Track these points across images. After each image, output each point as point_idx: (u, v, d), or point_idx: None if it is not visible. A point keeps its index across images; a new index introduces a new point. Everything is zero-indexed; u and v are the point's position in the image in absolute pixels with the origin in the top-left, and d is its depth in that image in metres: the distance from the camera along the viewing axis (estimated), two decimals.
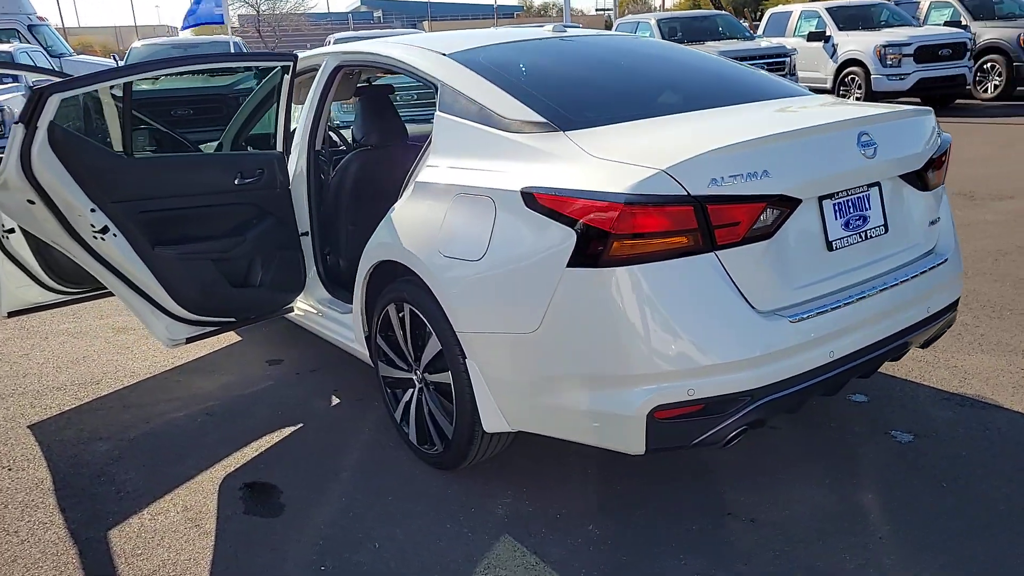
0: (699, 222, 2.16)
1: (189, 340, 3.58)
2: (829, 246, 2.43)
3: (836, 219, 2.44)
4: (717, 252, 2.20)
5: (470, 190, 2.58)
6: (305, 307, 3.95)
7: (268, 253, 3.66)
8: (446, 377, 2.79)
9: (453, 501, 2.83)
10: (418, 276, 2.82)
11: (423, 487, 2.92)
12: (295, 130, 3.86)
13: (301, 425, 3.52)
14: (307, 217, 3.82)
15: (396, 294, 2.96)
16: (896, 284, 2.52)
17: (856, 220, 2.50)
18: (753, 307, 2.23)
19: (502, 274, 2.43)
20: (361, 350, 3.41)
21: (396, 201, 3.05)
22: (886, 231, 2.59)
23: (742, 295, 2.21)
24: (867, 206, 2.53)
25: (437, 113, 2.88)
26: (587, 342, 2.26)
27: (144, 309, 3.39)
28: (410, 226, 2.81)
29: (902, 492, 2.69)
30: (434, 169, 2.80)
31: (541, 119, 2.56)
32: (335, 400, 3.75)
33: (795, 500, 2.69)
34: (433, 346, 2.81)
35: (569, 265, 2.25)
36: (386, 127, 3.86)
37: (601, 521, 2.65)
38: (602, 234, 2.18)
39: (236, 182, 3.47)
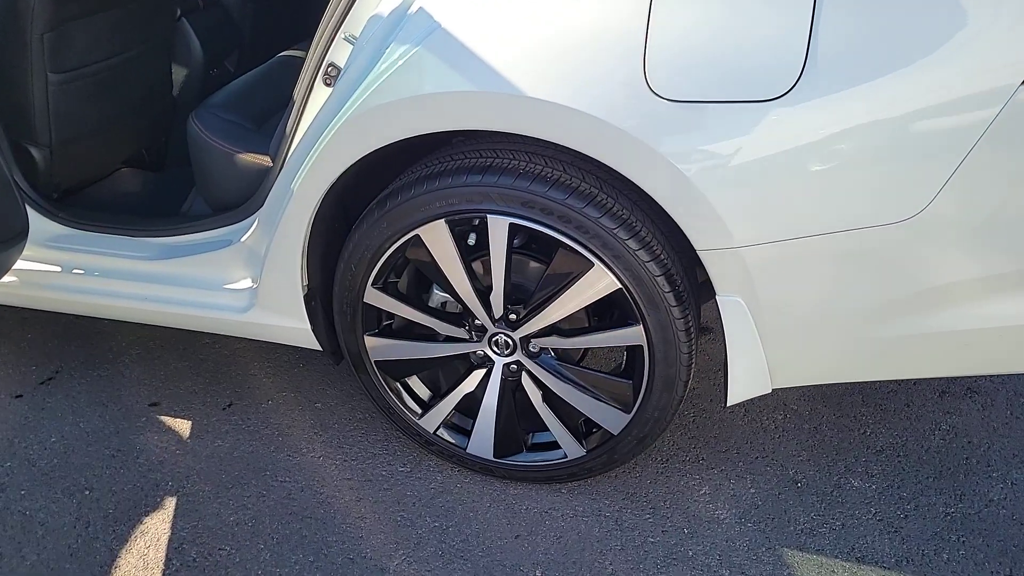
0: None
1: None
2: None
3: None
4: None
5: None
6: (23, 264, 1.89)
7: None
8: (626, 336, 1.47)
9: (665, 532, 1.64)
10: (550, 154, 1.36)
11: (598, 525, 1.64)
12: None
13: (204, 490, 1.72)
14: None
15: (456, 200, 1.41)
16: None
17: None
18: None
19: (844, 124, 1.21)
20: (277, 323, 1.71)
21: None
22: None
23: None
24: None
25: None
26: None
27: None
28: (530, 46, 1.27)
29: None
30: None
31: None
32: (180, 425, 1.94)
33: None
34: (588, 288, 1.43)
35: None
36: None
37: (851, 463, 1.79)
38: None
39: None
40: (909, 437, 1.86)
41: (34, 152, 1.99)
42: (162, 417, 1.96)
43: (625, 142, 1.27)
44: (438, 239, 1.47)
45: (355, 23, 1.46)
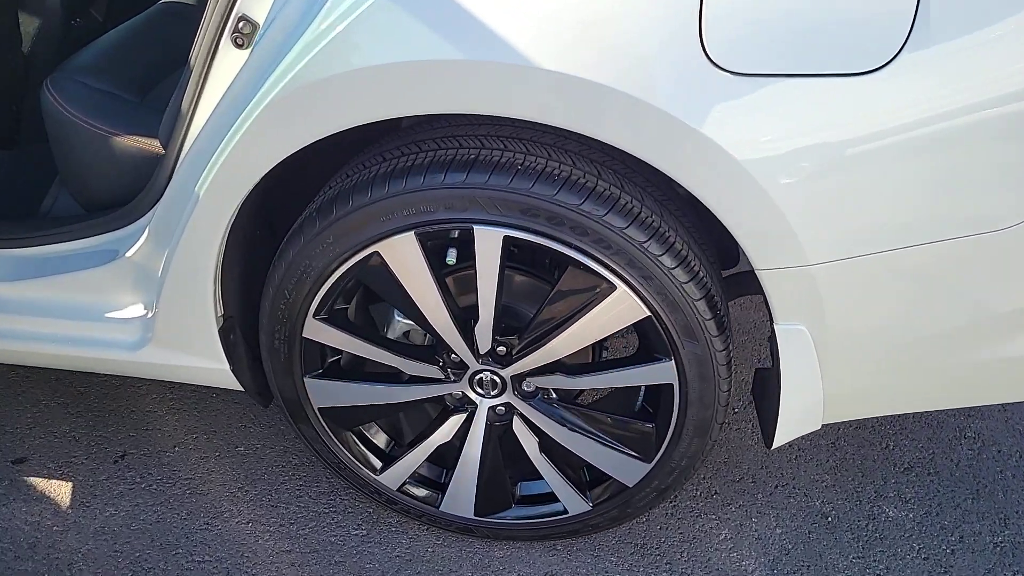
0: None
1: None
2: None
3: None
4: None
5: None
6: None
7: None
8: (653, 374, 1.15)
9: None
10: (552, 140, 1.02)
11: None
12: None
13: None
14: None
15: (430, 206, 1.03)
16: None
17: None
18: None
19: (958, 102, 0.91)
20: (183, 362, 1.30)
21: None
22: None
23: None
24: None
25: None
26: None
27: None
28: None
29: None
30: None
31: None
32: (57, 489, 1.50)
33: None
34: (607, 317, 1.10)
35: None
36: None
37: (881, 486, 1.55)
38: None
39: None
40: (936, 450, 1.64)
41: None
42: (31, 479, 1.52)
43: (672, 130, 0.92)
44: (405, 257, 1.10)
45: None
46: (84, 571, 1.37)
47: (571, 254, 1.05)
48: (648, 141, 0.95)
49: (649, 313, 1.08)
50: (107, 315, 1.32)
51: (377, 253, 1.10)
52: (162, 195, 1.22)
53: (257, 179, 1.07)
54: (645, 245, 1.03)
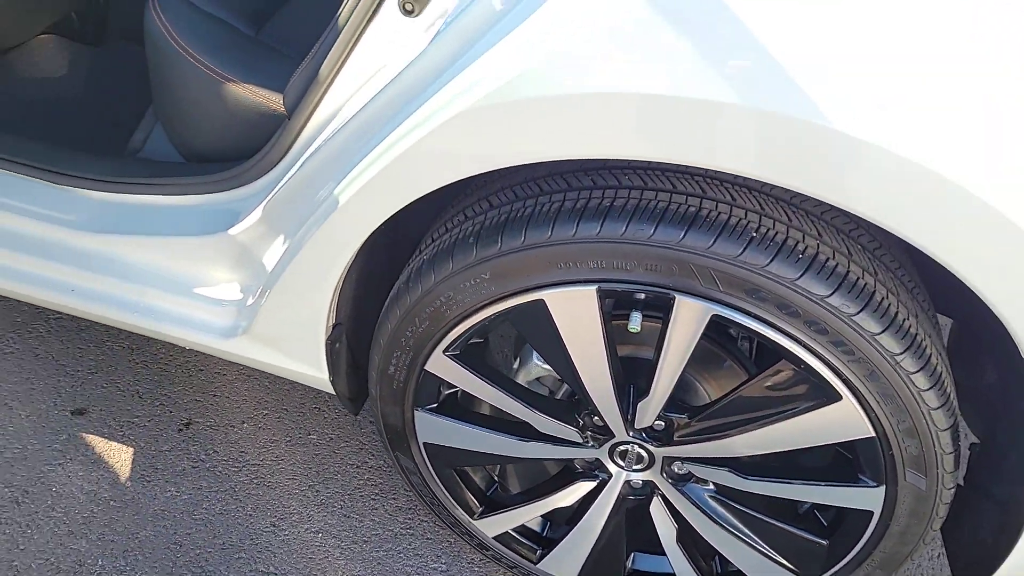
0: None
1: None
2: None
3: None
4: None
5: None
6: None
7: None
8: (851, 498, 0.92)
9: None
10: (789, 196, 0.79)
11: None
12: None
13: None
14: None
15: (627, 263, 0.80)
16: None
17: None
18: None
19: None
20: (279, 363, 1.10)
21: None
22: None
23: None
24: None
25: None
26: None
27: None
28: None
29: None
30: None
31: None
32: (114, 454, 1.36)
33: None
34: (818, 428, 0.87)
35: None
36: None
37: None
38: None
39: None
40: None
41: None
42: (90, 437, 1.37)
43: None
44: (577, 312, 0.87)
45: None
46: (140, 563, 1.22)
47: (794, 349, 0.82)
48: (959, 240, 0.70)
49: (874, 435, 0.86)
50: (197, 291, 1.13)
51: (542, 301, 0.88)
52: (277, 164, 1.01)
53: (421, 194, 0.85)
54: (898, 358, 0.80)
